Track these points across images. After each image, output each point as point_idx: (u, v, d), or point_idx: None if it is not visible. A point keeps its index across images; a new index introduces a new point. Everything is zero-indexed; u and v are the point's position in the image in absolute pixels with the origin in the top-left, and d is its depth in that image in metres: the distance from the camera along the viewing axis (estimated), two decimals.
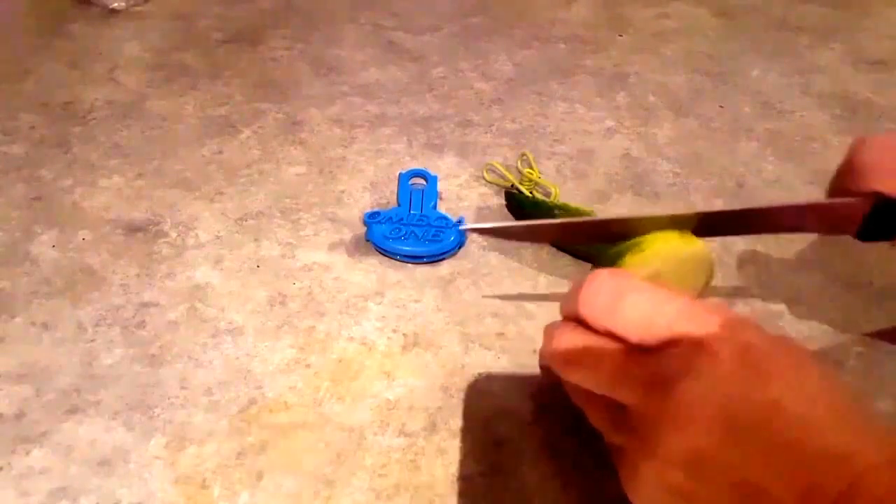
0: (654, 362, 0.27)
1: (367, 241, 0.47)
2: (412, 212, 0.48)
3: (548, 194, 0.52)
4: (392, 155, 0.55)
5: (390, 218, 0.47)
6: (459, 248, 0.47)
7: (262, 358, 0.40)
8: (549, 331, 0.31)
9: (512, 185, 0.52)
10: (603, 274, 0.30)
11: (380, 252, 0.47)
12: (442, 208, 0.50)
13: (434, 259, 0.46)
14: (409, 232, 0.47)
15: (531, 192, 0.51)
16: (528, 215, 0.49)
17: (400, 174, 0.52)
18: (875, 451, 0.24)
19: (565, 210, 0.48)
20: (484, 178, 0.53)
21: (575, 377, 0.30)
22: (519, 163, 0.54)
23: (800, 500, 0.24)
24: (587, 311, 0.29)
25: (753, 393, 0.26)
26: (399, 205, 0.50)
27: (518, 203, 0.50)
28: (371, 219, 0.47)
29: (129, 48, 0.67)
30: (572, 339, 0.30)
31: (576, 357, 0.30)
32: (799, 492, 0.24)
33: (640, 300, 0.28)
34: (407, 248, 0.46)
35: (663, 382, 0.27)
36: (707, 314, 0.28)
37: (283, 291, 0.44)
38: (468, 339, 0.42)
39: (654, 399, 0.27)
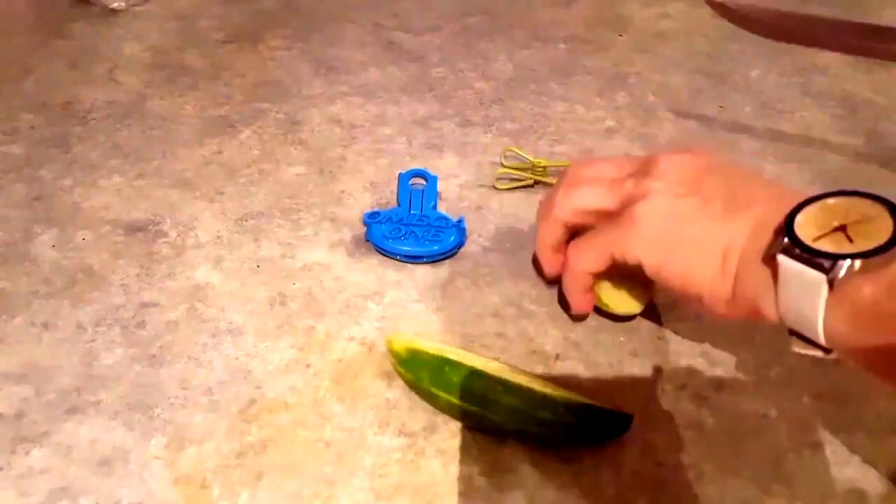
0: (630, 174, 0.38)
1: (367, 241, 0.47)
2: (412, 212, 0.48)
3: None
4: (392, 155, 0.55)
5: (390, 218, 0.47)
6: (459, 248, 0.47)
7: (262, 358, 0.40)
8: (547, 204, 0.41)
9: (535, 183, 0.52)
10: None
11: (380, 252, 0.47)
12: (442, 208, 0.50)
13: (434, 259, 0.46)
14: (409, 232, 0.47)
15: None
16: None
17: (400, 174, 0.52)
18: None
19: None
20: (502, 163, 0.53)
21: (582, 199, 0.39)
22: (502, 158, 0.54)
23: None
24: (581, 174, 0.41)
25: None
26: (399, 205, 0.50)
27: None
28: (371, 219, 0.47)
29: (129, 48, 0.67)
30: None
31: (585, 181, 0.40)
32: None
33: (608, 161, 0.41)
34: (407, 248, 0.46)
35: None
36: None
37: (283, 291, 0.44)
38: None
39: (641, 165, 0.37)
